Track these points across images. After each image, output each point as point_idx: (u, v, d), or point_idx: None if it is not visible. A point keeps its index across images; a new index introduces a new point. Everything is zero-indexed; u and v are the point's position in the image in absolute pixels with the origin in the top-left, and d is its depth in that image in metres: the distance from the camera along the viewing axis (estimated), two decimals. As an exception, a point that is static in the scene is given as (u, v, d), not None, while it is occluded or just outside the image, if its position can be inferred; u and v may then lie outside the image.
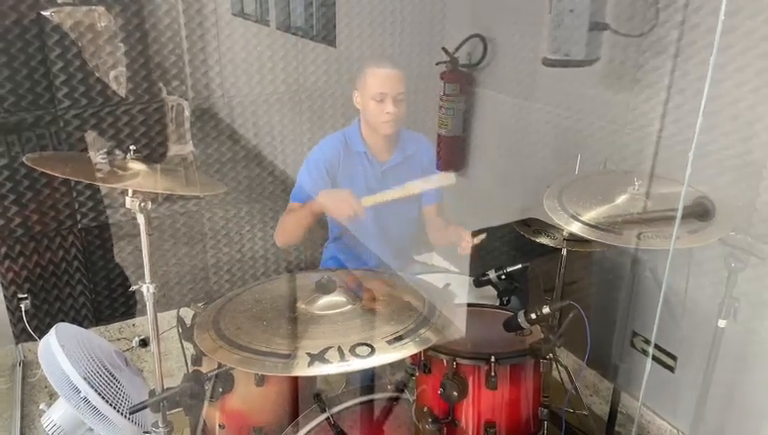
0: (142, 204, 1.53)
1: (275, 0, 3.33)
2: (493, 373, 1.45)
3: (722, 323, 1.77)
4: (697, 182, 1.69)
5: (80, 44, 2.44)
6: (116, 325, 2.89)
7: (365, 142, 2.10)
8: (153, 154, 2.70)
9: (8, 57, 2.34)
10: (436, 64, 2.98)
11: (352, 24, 2.97)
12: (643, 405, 2.31)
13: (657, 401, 2.30)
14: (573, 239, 1.94)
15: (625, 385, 2.31)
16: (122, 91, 2.58)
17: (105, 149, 1.69)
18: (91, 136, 2.58)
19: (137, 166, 1.67)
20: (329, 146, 2.10)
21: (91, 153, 2.53)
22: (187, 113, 2.75)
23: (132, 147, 1.62)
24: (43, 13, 2.36)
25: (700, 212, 1.67)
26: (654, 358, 2.19)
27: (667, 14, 1.98)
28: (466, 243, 2.03)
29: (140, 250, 1.57)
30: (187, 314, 1.78)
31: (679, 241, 1.44)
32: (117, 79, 2.57)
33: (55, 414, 1.86)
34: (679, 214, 1.29)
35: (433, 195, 2.25)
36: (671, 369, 2.16)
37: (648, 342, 2.24)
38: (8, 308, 2.64)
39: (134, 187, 1.55)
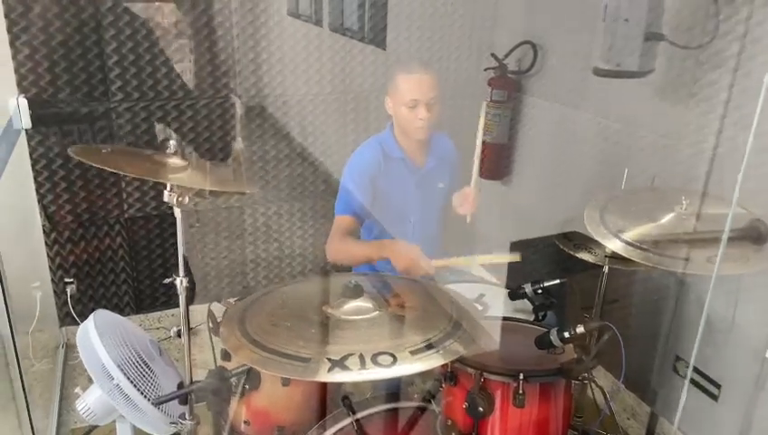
0: (179, 198, 1.55)
1: (329, 1, 3.35)
2: (521, 391, 1.41)
3: (770, 354, 1.67)
4: (753, 204, 1.60)
5: (136, 39, 2.50)
6: (156, 314, 2.96)
7: (401, 148, 2.08)
8: (201, 149, 2.75)
9: (66, 50, 2.42)
10: (485, 70, 2.94)
11: (402, 26, 2.95)
12: (682, 433, 2.21)
13: (698, 429, 2.19)
14: (616, 256, 1.87)
15: (664, 411, 2.22)
16: (177, 87, 2.64)
17: (166, 139, 1.73)
18: (157, 127, 2.65)
19: (177, 161, 1.69)
20: (368, 154, 2.08)
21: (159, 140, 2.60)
22: (238, 110, 2.79)
23: (172, 142, 1.65)
24: (125, 3, 2.43)
25: (755, 235, 1.59)
26: (697, 385, 2.09)
27: (728, 26, 1.89)
28: (467, 202, 2.00)
29: (189, 242, 1.60)
30: (220, 309, 1.80)
31: (727, 267, 1.36)
32: (171, 74, 2.62)
33: (90, 399, 1.90)
34: (725, 237, 1.22)
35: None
36: (714, 398, 2.06)
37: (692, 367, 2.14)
38: (55, 292, 2.73)
39: (178, 182, 1.57)
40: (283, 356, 1.18)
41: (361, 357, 1.15)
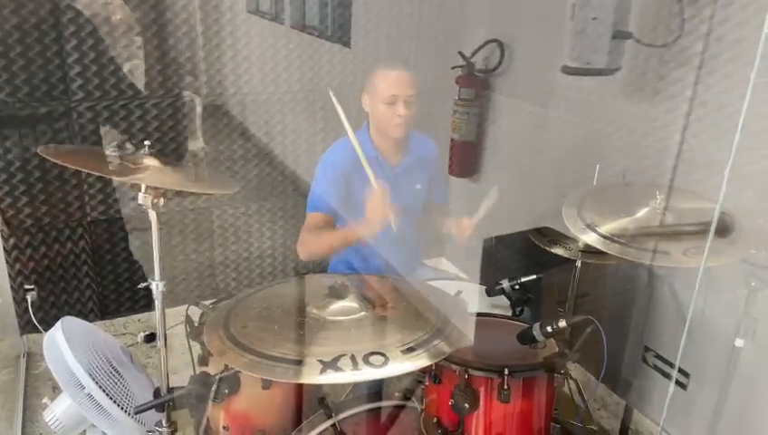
0: (155, 200, 1.51)
1: (290, -1, 3.31)
2: (506, 386, 1.42)
3: (739, 342, 1.73)
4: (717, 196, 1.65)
5: (96, 36, 2.42)
6: (121, 320, 2.88)
7: (375, 146, 2.07)
8: (165, 149, 2.68)
9: (24, 48, 2.32)
10: (452, 68, 2.96)
11: (368, 25, 2.94)
12: (653, 422, 2.27)
13: (668, 418, 2.25)
14: (588, 251, 1.90)
15: (635, 401, 2.28)
16: (139, 86, 2.57)
17: (116, 142, 1.68)
18: (104, 129, 2.56)
19: (149, 161, 1.65)
20: (341, 151, 2.06)
21: (105, 146, 2.52)
22: (199, 109, 2.73)
23: (147, 142, 1.60)
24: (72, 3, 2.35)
25: (720, 228, 1.63)
26: (667, 375, 2.15)
27: (693, 25, 1.95)
28: (464, 230, 2.04)
29: (149, 245, 1.56)
30: (195, 312, 1.76)
31: (698, 260, 1.40)
32: (132, 73, 2.55)
33: (58, 409, 1.84)
34: (711, 234, 1.25)
35: (444, 193, 2.28)
36: (683, 386, 2.12)
37: (659, 357, 2.20)
38: (14, 299, 2.62)
39: (145, 181, 1.53)
40: (272, 359, 1.16)
41: (353, 358, 1.14)
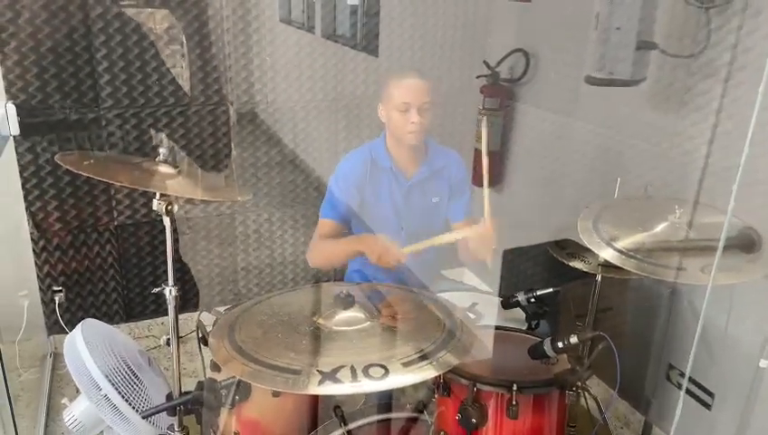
0: (168, 207, 1.53)
1: (321, 7, 3.34)
2: (514, 402, 1.40)
3: (764, 363, 1.66)
4: (744, 213, 1.60)
5: (126, 46, 2.48)
6: (146, 322, 2.93)
7: (391, 156, 2.06)
8: (191, 156, 2.73)
9: (55, 56, 2.40)
10: (477, 78, 2.94)
11: (394, 34, 2.95)
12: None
13: (692, 438, 2.19)
14: (609, 265, 1.86)
15: (657, 419, 2.21)
16: (167, 94, 2.61)
17: (165, 147, 1.72)
18: (154, 133, 2.63)
19: (164, 168, 1.68)
20: (355, 161, 2.06)
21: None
22: (231, 116, 2.77)
23: (162, 150, 1.63)
24: (123, 9, 2.41)
25: (746, 244, 1.58)
26: (691, 394, 2.09)
27: (719, 36, 1.89)
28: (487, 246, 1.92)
29: (174, 250, 1.59)
30: (210, 318, 1.78)
31: (720, 277, 1.35)
32: (161, 81, 2.60)
33: (77, 409, 1.88)
34: (720, 250, 1.21)
35: (460, 210, 2.19)
36: (707, 406, 2.06)
37: (685, 376, 2.13)
38: (42, 300, 2.70)
39: (167, 190, 1.56)
40: (273, 369, 1.16)
41: (353, 369, 1.13)
